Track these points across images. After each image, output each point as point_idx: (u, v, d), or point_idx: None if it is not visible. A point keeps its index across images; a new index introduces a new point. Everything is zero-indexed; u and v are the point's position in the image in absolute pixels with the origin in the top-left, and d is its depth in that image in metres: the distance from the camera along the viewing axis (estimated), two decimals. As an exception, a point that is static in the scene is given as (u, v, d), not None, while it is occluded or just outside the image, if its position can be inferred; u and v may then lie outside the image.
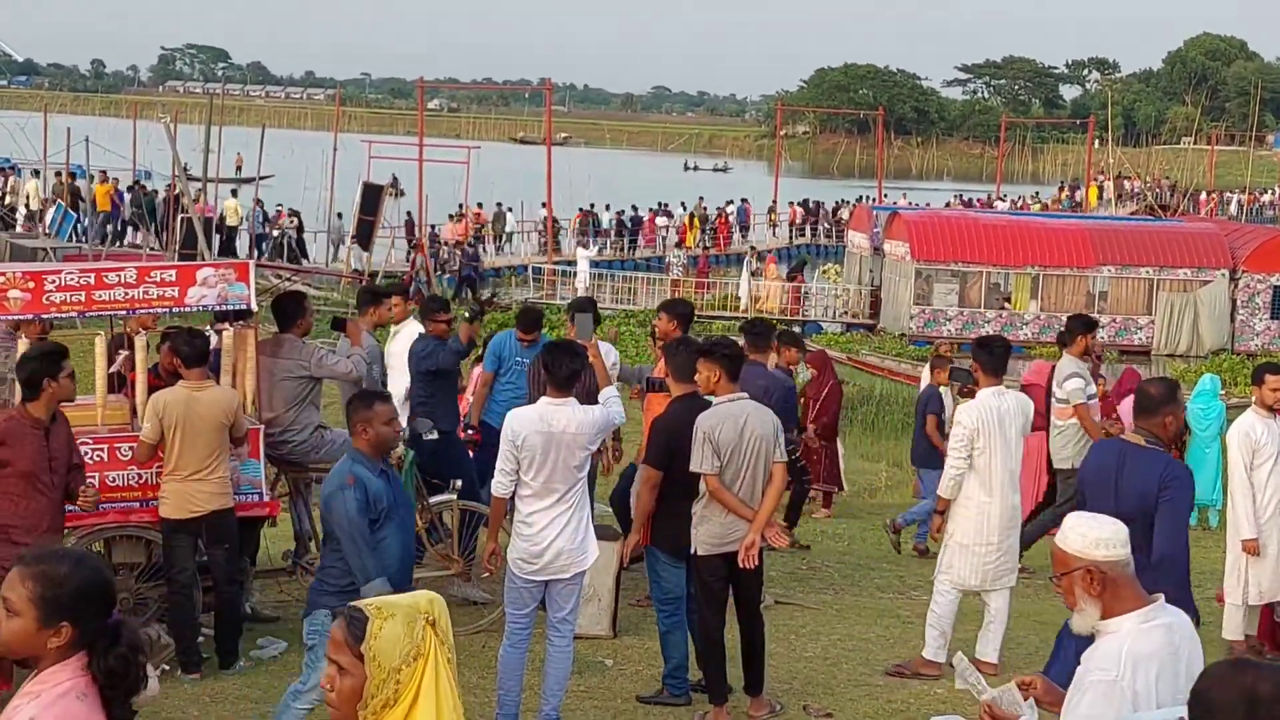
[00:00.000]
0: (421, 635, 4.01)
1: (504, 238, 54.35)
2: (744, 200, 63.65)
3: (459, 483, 10.97)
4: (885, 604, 12.40)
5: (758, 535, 8.80)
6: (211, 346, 9.88)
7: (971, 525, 9.93)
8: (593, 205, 56.34)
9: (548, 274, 45.32)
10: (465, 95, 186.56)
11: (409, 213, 49.15)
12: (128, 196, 47.41)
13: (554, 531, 8.49)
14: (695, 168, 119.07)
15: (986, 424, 9.80)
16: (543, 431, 8.44)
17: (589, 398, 9.15)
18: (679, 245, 51.21)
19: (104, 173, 48.72)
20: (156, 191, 46.55)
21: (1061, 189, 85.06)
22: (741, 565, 8.79)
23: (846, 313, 42.33)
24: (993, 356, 10.11)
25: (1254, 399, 10.66)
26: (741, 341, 10.95)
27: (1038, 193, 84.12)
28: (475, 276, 43.30)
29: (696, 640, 9.30)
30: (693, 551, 9.00)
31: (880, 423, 25.26)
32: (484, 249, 52.09)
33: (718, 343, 9.42)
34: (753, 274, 43.79)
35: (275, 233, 46.25)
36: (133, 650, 4.06)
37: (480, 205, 53.92)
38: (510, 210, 55.24)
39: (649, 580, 9.83)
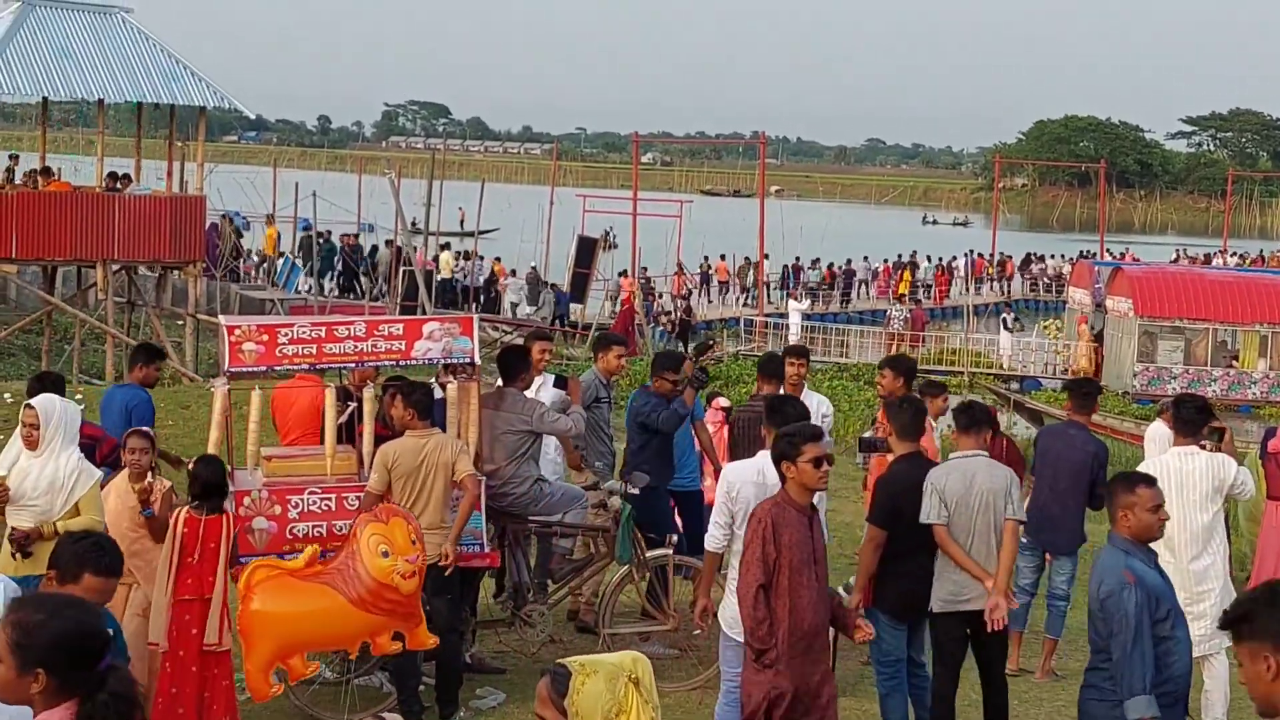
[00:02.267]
0: (624, 692, 4.09)
1: (751, 288, 54.61)
2: (979, 255, 63.13)
3: (675, 537, 10.97)
4: (1110, 670, 12.02)
5: (1001, 597, 8.67)
6: (435, 399, 10.04)
7: None
8: (798, 259, 56.40)
9: (759, 327, 45.29)
10: (678, 149, 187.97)
11: (679, 262, 49.92)
12: (286, 239, 48.83)
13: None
14: (934, 221, 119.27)
15: (1161, 484, 9.56)
16: (757, 483, 8.40)
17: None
18: (898, 299, 50.95)
19: (270, 217, 50.41)
20: (369, 236, 47.60)
21: None
22: (989, 629, 8.66)
23: (1067, 370, 41.47)
24: (1180, 416, 9.91)
25: None
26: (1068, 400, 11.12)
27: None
28: (689, 329, 43.56)
29: (916, 703, 9.15)
30: (930, 609, 8.90)
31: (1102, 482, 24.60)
32: (722, 300, 52.57)
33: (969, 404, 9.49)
34: (1007, 329, 43.47)
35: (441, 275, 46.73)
36: (115, 698, 4.13)
37: (724, 257, 54.35)
38: (753, 262, 55.59)
39: (869, 641, 9.69)
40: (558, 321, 43.51)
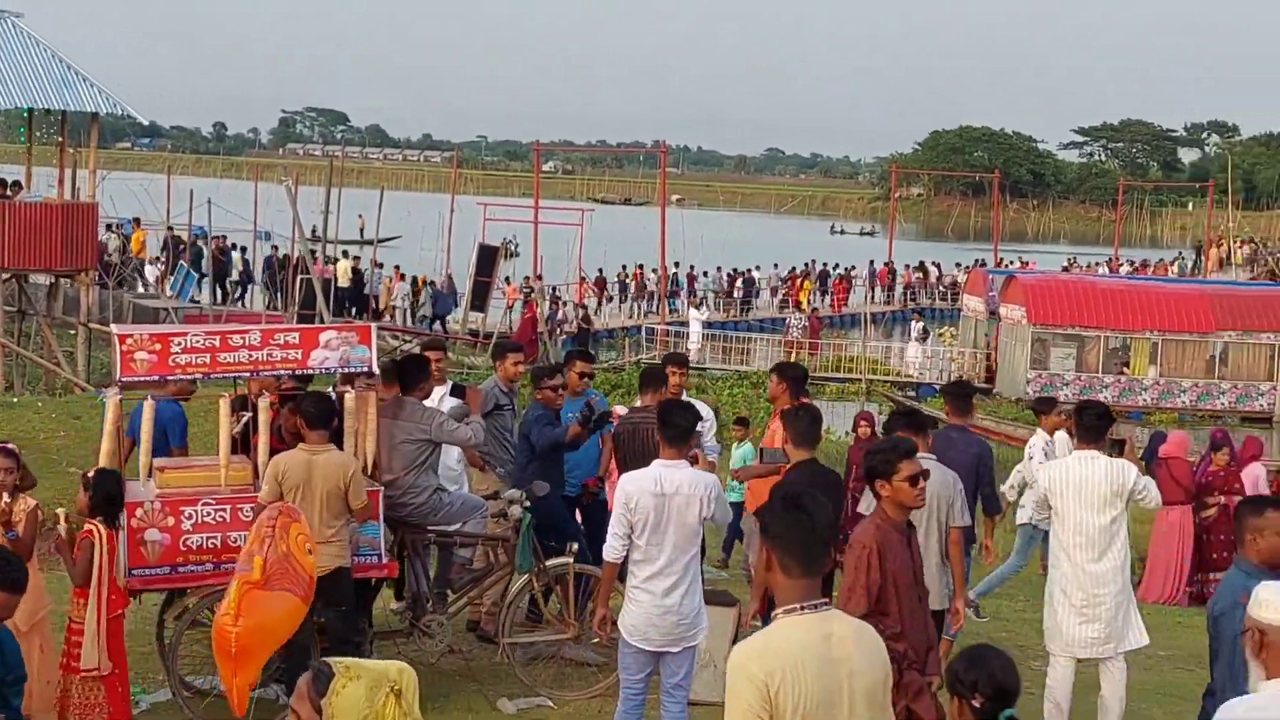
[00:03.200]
0: (382, 703, 4.07)
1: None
2: (886, 264, 63.83)
3: (575, 546, 10.94)
4: (1003, 675, 12.16)
5: (960, 603, 8.99)
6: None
7: (1056, 588, 9.91)
8: (692, 267, 56.54)
9: (660, 334, 45.40)
10: (579, 158, 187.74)
11: (582, 271, 49.97)
12: (155, 244, 48.67)
13: (665, 604, 8.39)
14: (842, 231, 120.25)
15: (1060, 487, 9.82)
16: (655, 494, 8.33)
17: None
18: (796, 307, 51.29)
19: (137, 220, 50.37)
20: (273, 246, 47.15)
21: (1207, 247, 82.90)
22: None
23: (961, 377, 41.93)
24: (1081, 423, 10.10)
25: None
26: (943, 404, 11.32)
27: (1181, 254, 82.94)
28: (588, 337, 43.52)
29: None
30: None
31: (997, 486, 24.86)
32: (635, 307, 52.58)
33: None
34: (917, 339, 43.97)
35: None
36: None
37: (641, 266, 54.38)
38: (692, 268, 55.68)
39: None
40: (438, 322, 43.60)
